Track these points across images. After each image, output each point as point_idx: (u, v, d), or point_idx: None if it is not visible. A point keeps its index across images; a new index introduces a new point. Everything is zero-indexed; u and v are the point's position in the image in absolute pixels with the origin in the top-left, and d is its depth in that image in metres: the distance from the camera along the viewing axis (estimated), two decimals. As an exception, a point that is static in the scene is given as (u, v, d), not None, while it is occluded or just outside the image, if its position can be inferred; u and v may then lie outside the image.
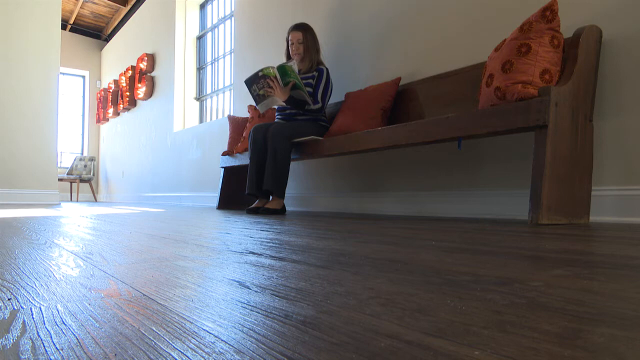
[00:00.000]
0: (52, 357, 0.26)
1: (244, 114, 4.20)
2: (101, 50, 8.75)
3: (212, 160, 4.78)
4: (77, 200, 7.54)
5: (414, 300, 0.40)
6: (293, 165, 3.55)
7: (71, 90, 8.63)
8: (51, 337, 0.30)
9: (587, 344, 0.28)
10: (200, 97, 5.67)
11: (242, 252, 0.76)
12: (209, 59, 5.49)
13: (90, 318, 0.35)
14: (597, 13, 1.80)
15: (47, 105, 4.67)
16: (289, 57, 2.87)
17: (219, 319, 0.35)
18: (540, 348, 0.27)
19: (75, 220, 1.80)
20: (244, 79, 2.71)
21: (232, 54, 4.72)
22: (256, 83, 2.65)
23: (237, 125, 3.62)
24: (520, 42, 1.65)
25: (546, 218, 1.50)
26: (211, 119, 5.46)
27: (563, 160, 1.55)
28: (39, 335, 0.31)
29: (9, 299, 0.42)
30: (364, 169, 2.90)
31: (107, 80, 8.30)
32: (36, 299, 0.42)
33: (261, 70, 2.59)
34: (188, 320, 0.34)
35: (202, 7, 5.71)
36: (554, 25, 1.62)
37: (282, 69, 2.54)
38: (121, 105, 7.17)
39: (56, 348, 0.28)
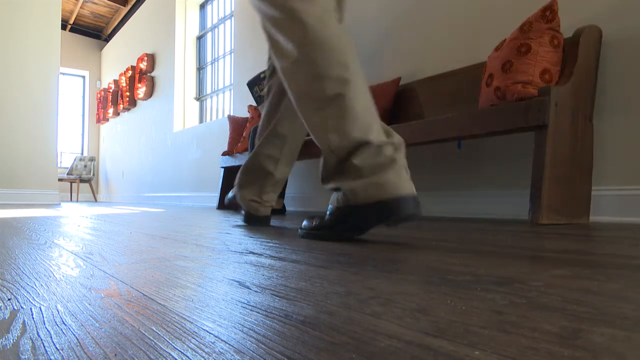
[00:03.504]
0: (52, 357, 0.26)
1: (244, 114, 4.20)
2: (101, 50, 8.75)
3: (212, 160, 4.78)
4: (77, 201, 7.54)
5: (414, 300, 0.40)
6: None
7: (71, 90, 8.64)
8: (51, 337, 0.30)
9: (587, 344, 0.28)
10: (200, 97, 5.67)
11: (242, 252, 0.76)
12: (209, 59, 5.49)
13: (90, 318, 0.35)
14: (597, 13, 1.80)
15: (47, 106, 4.67)
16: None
17: (219, 319, 0.35)
18: (540, 348, 0.27)
19: (75, 220, 1.80)
20: (246, 82, 2.70)
21: (232, 54, 4.72)
22: (258, 84, 2.65)
23: (237, 125, 3.62)
24: (520, 42, 1.65)
25: (546, 218, 1.50)
26: (211, 119, 5.45)
27: (563, 160, 1.55)
28: (39, 335, 0.30)
29: (9, 299, 0.42)
30: (364, 169, 2.90)
31: (107, 80, 8.30)
32: (36, 299, 0.42)
33: (263, 72, 2.59)
34: (188, 320, 0.34)
35: (202, 7, 5.71)
36: (554, 25, 1.62)
37: None
38: (121, 105, 7.17)
39: (56, 348, 0.28)
